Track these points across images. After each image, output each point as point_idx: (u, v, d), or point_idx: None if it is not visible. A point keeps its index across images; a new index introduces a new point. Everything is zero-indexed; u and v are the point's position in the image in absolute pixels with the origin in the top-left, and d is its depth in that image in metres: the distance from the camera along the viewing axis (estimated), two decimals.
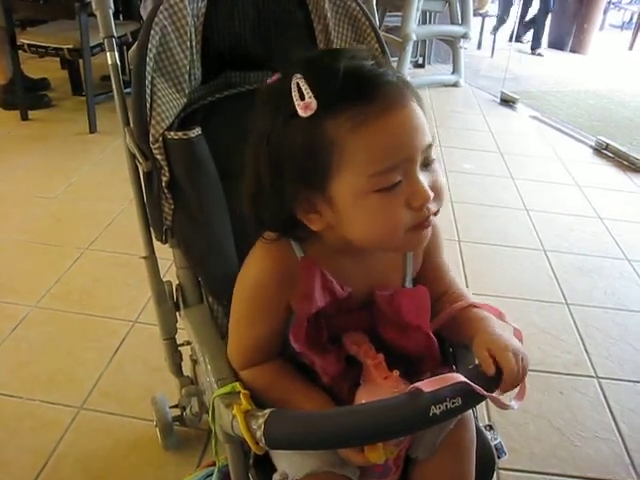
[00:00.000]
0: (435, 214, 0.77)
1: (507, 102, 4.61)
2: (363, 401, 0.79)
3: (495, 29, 7.06)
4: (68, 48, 3.38)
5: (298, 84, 0.71)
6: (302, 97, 0.70)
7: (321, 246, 0.83)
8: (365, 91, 0.70)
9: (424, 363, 0.87)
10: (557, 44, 6.92)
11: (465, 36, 4.82)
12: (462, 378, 0.69)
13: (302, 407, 0.82)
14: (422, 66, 5.60)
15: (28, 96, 3.65)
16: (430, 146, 0.75)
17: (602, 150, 3.75)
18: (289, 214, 0.77)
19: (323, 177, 0.73)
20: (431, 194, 0.74)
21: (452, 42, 4.95)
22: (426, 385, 0.68)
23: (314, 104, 0.70)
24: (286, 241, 0.83)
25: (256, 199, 0.78)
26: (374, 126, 0.70)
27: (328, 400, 0.83)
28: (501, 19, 7.22)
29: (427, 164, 0.76)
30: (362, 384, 0.82)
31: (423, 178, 0.74)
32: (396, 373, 0.79)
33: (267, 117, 0.75)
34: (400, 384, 0.79)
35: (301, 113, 0.70)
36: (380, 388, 0.78)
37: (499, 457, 1.00)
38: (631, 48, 7.68)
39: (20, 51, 3.52)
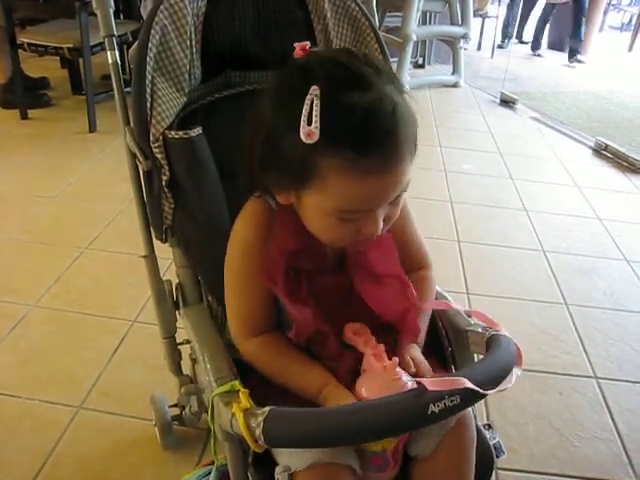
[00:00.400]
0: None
1: (507, 103, 4.61)
2: (363, 390, 0.80)
3: (503, 42, 6.79)
4: (68, 47, 3.38)
5: (312, 104, 0.72)
6: (310, 122, 0.72)
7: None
8: (366, 147, 0.73)
9: (404, 334, 0.91)
10: (556, 45, 6.92)
11: (465, 37, 4.82)
12: (469, 384, 0.69)
13: (303, 377, 0.86)
14: (422, 66, 5.60)
15: (28, 95, 3.65)
16: (401, 193, 0.81)
17: (601, 151, 3.75)
18: (266, 185, 0.85)
19: (299, 185, 0.80)
20: (380, 227, 0.81)
21: (452, 43, 4.95)
22: (430, 384, 0.69)
23: (316, 137, 0.72)
24: (264, 201, 0.91)
25: (248, 167, 0.85)
26: (358, 179, 0.75)
27: (327, 372, 0.86)
28: (506, 31, 6.89)
29: (393, 201, 0.81)
30: (363, 374, 0.83)
31: (381, 212, 0.81)
32: (395, 360, 0.80)
33: (275, 109, 0.79)
34: (401, 374, 0.79)
35: (302, 137, 0.72)
36: (381, 377, 0.79)
37: (498, 456, 1.00)
38: (630, 49, 7.68)
39: (20, 50, 3.52)
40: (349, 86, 0.74)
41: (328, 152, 0.73)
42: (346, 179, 0.74)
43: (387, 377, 0.79)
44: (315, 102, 0.72)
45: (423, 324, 0.95)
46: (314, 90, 0.73)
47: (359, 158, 0.73)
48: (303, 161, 0.75)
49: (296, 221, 0.87)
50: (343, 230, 0.81)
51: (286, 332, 0.91)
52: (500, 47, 6.63)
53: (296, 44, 0.82)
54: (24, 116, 3.58)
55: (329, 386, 0.84)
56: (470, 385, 0.69)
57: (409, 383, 0.79)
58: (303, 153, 0.74)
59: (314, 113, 0.72)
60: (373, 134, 0.73)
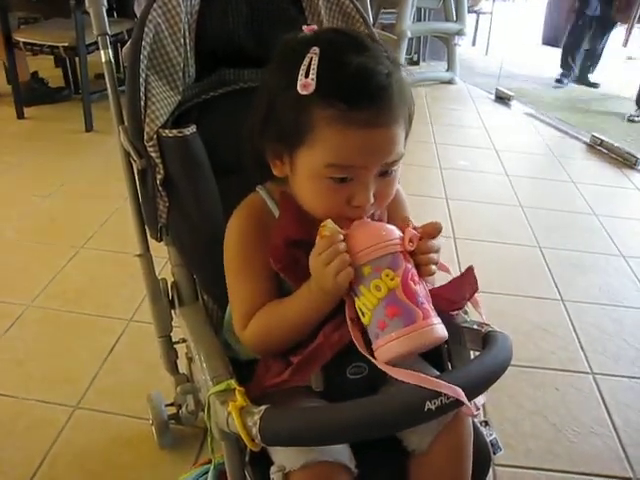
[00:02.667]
0: (368, 216, 0.84)
1: (502, 99, 4.61)
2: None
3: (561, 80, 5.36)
4: (64, 46, 3.38)
5: (311, 60, 0.76)
6: (307, 74, 0.76)
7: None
8: (359, 100, 0.75)
9: None
10: (551, 41, 6.92)
11: (460, 33, 4.83)
12: (462, 397, 0.69)
13: (294, 298, 0.85)
14: (417, 63, 5.60)
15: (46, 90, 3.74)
16: (394, 163, 0.81)
17: (596, 146, 3.76)
18: (261, 155, 0.87)
19: (294, 144, 0.81)
20: (371, 201, 0.81)
21: (447, 39, 4.96)
22: (405, 375, 0.70)
23: (312, 87, 0.75)
24: (258, 195, 0.93)
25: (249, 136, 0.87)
26: (349, 131, 0.76)
27: (305, 285, 0.83)
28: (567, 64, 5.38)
29: (385, 174, 0.82)
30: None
31: (372, 184, 0.81)
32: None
33: (276, 71, 0.83)
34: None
35: (299, 89, 0.76)
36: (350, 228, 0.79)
37: (494, 453, 1.00)
38: (625, 45, 7.69)
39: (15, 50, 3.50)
40: (348, 49, 0.78)
41: (322, 104, 0.76)
42: (337, 129, 0.76)
43: (354, 222, 0.79)
44: (314, 58, 0.76)
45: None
46: (314, 50, 0.77)
47: (351, 110, 0.75)
48: (298, 116, 0.78)
49: (300, 211, 0.87)
50: (334, 196, 0.81)
51: None
52: (559, 83, 5.31)
53: (304, 27, 0.85)
54: (20, 115, 3.57)
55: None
56: (463, 399, 0.69)
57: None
58: (298, 107, 0.77)
59: (312, 67, 0.76)
60: (366, 89, 0.76)
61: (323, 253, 0.76)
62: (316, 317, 0.83)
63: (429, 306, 0.76)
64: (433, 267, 0.80)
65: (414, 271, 0.77)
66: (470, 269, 0.86)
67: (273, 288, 0.90)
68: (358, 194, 0.80)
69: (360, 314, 0.77)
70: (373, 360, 0.75)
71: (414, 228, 0.80)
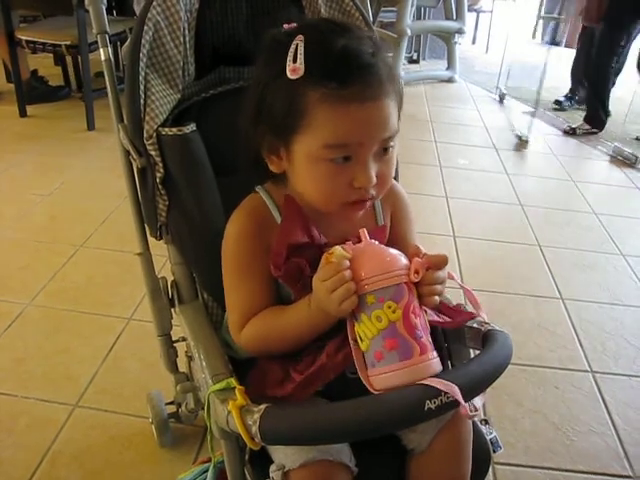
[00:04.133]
0: (371, 199, 0.85)
1: (501, 97, 4.61)
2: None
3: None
4: (66, 44, 3.37)
5: (297, 46, 0.78)
6: (295, 60, 0.78)
7: (300, 200, 0.89)
8: (348, 76, 0.77)
9: None
10: (552, 40, 6.92)
11: (460, 31, 4.82)
12: (458, 396, 0.69)
13: (293, 310, 0.85)
14: (417, 62, 5.60)
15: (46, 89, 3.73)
16: (390, 138, 0.82)
17: (597, 145, 3.76)
18: (257, 152, 0.87)
19: (289, 132, 0.81)
20: (374, 180, 0.81)
21: (447, 37, 4.95)
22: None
23: (301, 71, 0.77)
24: (257, 196, 0.93)
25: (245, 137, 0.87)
26: (342, 108, 0.77)
27: (305, 300, 0.83)
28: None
29: (383, 153, 0.83)
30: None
31: (372, 165, 0.81)
32: (364, 229, 0.80)
33: (264, 64, 0.84)
34: (374, 242, 0.79)
35: (288, 74, 0.78)
36: (354, 250, 0.78)
37: (494, 451, 1.00)
38: None
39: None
40: (332, 32, 0.80)
41: (312, 85, 0.77)
42: (330, 108, 0.77)
43: (360, 245, 0.78)
44: (299, 45, 0.78)
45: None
46: (299, 37, 0.79)
47: (341, 87, 0.76)
48: (290, 102, 0.79)
49: (302, 215, 0.87)
50: (335, 179, 0.81)
51: None
52: (558, 105, 4.48)
53: (285, 25, 0.86)
54: (23, 114, 3.57)
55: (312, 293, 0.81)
56: (458, 396, 0.68)
57: (391, 249, 0.79)
58: (290, 93, 0.79)
59: (299, 52, 0.78)
60: (355, 66, 0.78)
61: (329, 280, 0.75)
62: (314, 333, 0.84)
63: (427, 339, 0.76)
64: (436, 298, 0.79)
65: (416, 303, 0.76)
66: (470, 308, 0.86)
67: (271, 292, 0.91)
68: (359, 174, 0.80)
69: (358, 339, 0.77)
70: (367, 385, 0.75)
71: (422, 255, 0.78)
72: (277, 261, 0.85)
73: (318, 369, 0.83)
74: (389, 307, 0.74)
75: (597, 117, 3.97)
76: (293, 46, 0.78)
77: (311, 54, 0.78)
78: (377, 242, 0.80)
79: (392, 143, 0.83)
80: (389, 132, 0.81)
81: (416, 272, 0.76)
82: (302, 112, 0.79)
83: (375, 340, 0.74)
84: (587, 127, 3.98)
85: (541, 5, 6.77)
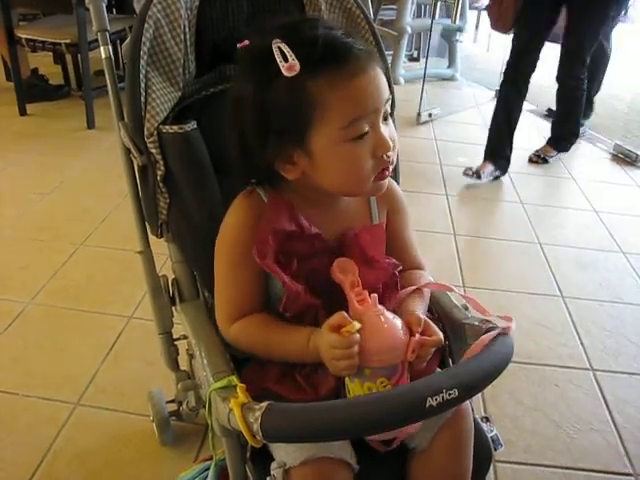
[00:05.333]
0: (392, 164, 0.88)
1: None
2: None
3: None
4: (66, 43, 3.37)
5: (280, 48, 0.80)
6: (286, 59, 0.79)
7: (292, 197, 0.92)
8: (340, 57, 0.81)
9: (386, 292, 0.93)
10: (553, 38, 6.91)
11: (461, 30, 4.81)
12: None
13: (290, 337, 0.88)
14: (417, 60, 5.57)
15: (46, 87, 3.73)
16: (389, 100, 0.86)
17: (597, 143, 3.75)
18: (269, 166, 0.87)
19: (303, 130, 0.82)
20: (391, 144, 0.85)
21: (448, 36, 4.94)
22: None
23: (297, 66, 0.79)
24: (256, 192, 0.94)
25: (242, 156, 0.88)
26: (346, 85, 0.80)
27: (310, 327, 0.86)
28: None
29: (386, 117, 0.86)
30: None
31: (384, 130, 0.85)
32: (375, 296, 0.81)
33: (250, 79, 0.84)
34: (383, 311, 0.80)
35: (286, 73, 0.79)
36: (365, 318, 0.79)
37: (495, 449, 1.00)
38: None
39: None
40: (303, 25, 0.84)
41: (314, 75, 0.79)
42: (338, 89, 0.80)
43: (370, 315, 0.79)
44: (282, 45, 0.80)
45: (420, 310, 0.93)
46: (275, 41, 0.80)
47: (340, 67, 0.80)
48: (297, 100, 0.80)
49: (288, 206, 0.90)
50: (360, 156, 0.84)
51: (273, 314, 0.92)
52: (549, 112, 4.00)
53: (239, 44, 0.88)
54: (23, 112, 3.57)
55: (316, 333, 0.83)
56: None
57: (397, 321, 0.80)
58: (294, 90, 0.80)
59: (286, 51, 0.79)
60: (340, 46, 0.82)
61: (338, 351, 0.78)
62: (302, 362, 0.88)
63: None
64: (424, 364, 0.83)
65: (405, 375, 0.80)
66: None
67: (262, 289, 0.92)
68: (379, 143, 0.84)
69: (347, 391, 0.82)
70: None
71: (420, 326, 0.82)
72: (261, 248, 0.87)
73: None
74: (381, 383, 0.79)
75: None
76: (275, 49, 0.80)
77: (297, 49, 0.79)
78: (383, 308, 0.81)
79: (389, 108, 0.87)
80: (387, 93, 0.85)
81: (413, 351, 0.79)
82: (312, 104, 0.80)
83: None
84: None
85: None
